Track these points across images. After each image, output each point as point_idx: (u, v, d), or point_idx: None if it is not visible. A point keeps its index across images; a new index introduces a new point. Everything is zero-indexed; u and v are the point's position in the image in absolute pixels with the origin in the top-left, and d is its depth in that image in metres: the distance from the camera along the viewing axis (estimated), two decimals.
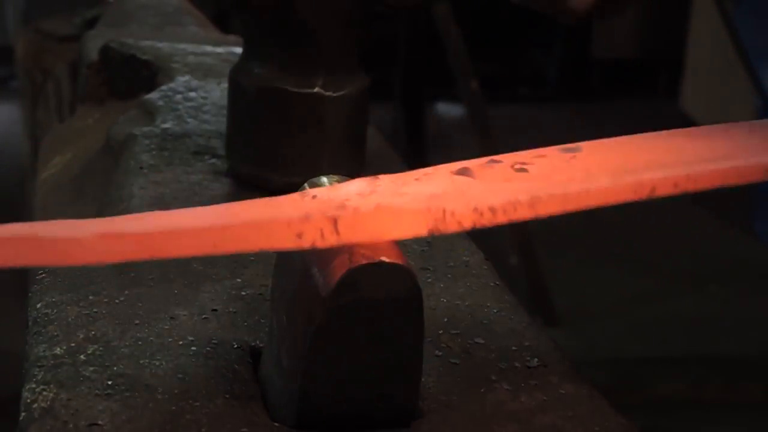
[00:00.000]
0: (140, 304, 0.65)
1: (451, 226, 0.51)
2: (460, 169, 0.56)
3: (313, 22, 0.81)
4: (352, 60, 0.85)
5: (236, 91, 0.85)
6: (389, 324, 0.52)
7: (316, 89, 0.82)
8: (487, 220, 0.52)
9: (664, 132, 0.65)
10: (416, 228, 0.50)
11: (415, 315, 0.52)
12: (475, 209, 0.51)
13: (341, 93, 0.82)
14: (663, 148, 0.62)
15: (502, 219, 0.52)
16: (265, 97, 0.82)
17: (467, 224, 0.51)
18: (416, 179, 0.54)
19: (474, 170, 0.55)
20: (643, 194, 0.55)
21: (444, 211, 0.51)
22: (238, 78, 0.84)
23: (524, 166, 0.56)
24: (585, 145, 0.60)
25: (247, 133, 0.84)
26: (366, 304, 0.51)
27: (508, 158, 0.57)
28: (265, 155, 0.84)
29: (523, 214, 0.52)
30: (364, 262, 0.50)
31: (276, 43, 0.82)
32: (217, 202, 0.71)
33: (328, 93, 0.82)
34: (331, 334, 0.51)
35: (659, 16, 4.34)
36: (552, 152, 0.58)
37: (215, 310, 0.65)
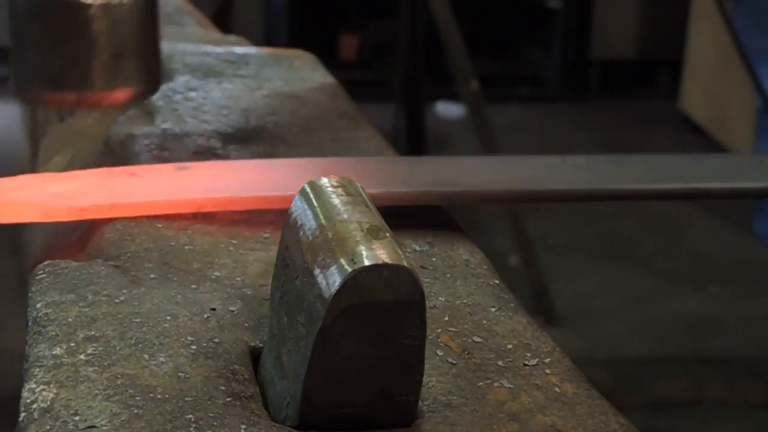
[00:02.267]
0: (140, 304, 0.65)
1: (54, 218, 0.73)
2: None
3: None
4: None
5: (7, 2, 0.81)
6: (392, 325, 0.52)
7: None
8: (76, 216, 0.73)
9: (267, 161, 0.84)
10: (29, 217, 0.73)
11: (418, 316, 0.52)
12: (69, 208, 0.73)
13: (107, 1, 0.78)
14: (236, 174, 0.80)
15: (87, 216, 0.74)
16: (31, 6, 0.79)
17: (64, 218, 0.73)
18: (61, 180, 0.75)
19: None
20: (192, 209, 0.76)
21: (47, 207, 0.72)
22: None
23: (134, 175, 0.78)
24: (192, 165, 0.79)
25: (20, 48, 0.80)
26: (369, 305, 0.51)
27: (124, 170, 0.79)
28: (36, 72, 0.80)
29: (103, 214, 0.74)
30: (367, 263, 0.51)
31: None
32: None
33: (90, 1, 0.78)
34: (334, 335, 0.51)
35: (659, 16, 4.34)
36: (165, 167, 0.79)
37: (215, 309, 0.65)
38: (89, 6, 0.77)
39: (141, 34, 0.81)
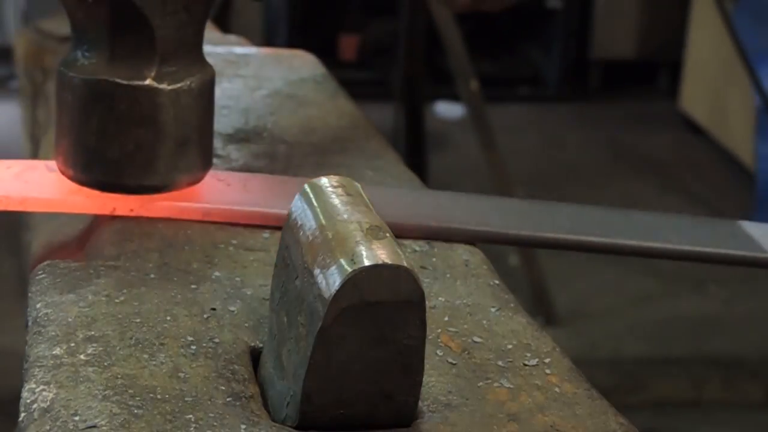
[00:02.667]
0: (140, 304, 0.65)
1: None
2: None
3: (144, 2, 0.71)
4: (194, 49, 0.76)
5: (61, 83, 0.74)
6: (392, 325, 0.52)
7: (148, 81, 0.72)
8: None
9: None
10: None
11: (418, 316, 0.52)
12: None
13: (177, 86, 0.73)
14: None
15: None
16: (93, 90, 0.72)
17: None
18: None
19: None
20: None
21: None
22: (64, 69, 0.74)
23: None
24: None
25: (73, 133, 0.74)
26: (369, 305, 0.51)
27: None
28: (92, 159, 0.74)
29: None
30: (367, 264, 0.51)
31: (103, 29, 0.72)
32: None
33: (161, 86, 0.73)
34: (335, 335, 0.51)
35: (659, 16, 4.34)
36: None
37: (215, 309, 0.65)
38: (159, 92, 0.72)
39: (204, 118, 0.76)
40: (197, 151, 0.76)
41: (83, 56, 0.73)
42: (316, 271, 0.52)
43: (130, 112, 0.73)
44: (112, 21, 0.72)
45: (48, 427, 0.52)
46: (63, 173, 0.76)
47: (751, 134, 3.39)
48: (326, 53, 2.13)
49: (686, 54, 4.00)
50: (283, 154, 0.91)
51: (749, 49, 2.95)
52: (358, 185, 0.59)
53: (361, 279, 0.50)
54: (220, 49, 1.16)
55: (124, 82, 0.72)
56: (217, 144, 0.91)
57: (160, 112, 0.73)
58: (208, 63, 0.77)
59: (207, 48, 1.16)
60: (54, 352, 0.59)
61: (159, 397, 0.55)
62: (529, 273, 2.72)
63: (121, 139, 0.73)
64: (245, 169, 0.87)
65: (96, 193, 0.75)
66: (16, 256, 2.90)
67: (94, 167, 0.74)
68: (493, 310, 0.68)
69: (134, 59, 0.72)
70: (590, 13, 4.33)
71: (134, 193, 0.75)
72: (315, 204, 0.56)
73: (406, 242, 0.76)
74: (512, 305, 0.69)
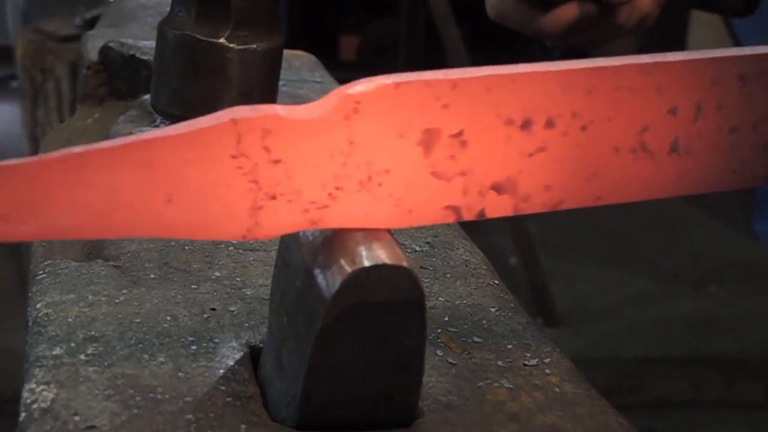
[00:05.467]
0: (140, 304, 0.65)
1: None
2: None
3: None
4: (266, 20, 0.92)
5: (160, 35, 0.93)
6: (392, 325, 0.52)
7: (221, 40, 0.89)
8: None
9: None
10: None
11: (418, 316, 0.52)
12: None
13: (245, 47, 0.90)
14: None
15: None
16: (179, 42, 0.90)
17: None
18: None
19: None
20: None
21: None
22: (162, 24, 0.93)
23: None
24: None
25: (164, 74, 0.92)
26: (369, 305, 0.51)
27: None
28: (173, 96, 0.91)
29: None
30: (367, 264, 0.51)
31: None
32: None
33: (231, 45, 0.89)
34: (335, 336, 0.51)
35: (659, 17, 4.33)
36: None
37: (215, 309, 0.65)
38: (229, 50, 0.89)
39: (267, 79, 0.92)
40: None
41: (177, 14, 0.91)
42: (316, 271, 0.52)
43: (205, 63, 0.90)
44: None
45: (48, 427, 0.52)
46: (153, 106, 0.94)
47: None
48: (326, 53, 2.13)
49: None
50: None
51: None
52: None
53: (361, 279, 0.50)
54: None
55: (203, 38, 0.89)
56: None
57: (228, 66, 0.90)
58: (279, 35, 0.93)
59: None
60: (54, 352, 0.59)
61: (159, 397, 0.55)
62: (529, 273, 2.72)
63: (196, 84, 0.90)
64: None
65: None
66: (16, 256, 2.90)
67: (174, 104, 0.92)
68: (493, 310, 0.68)
69: (214, 21, 0.90)
70: None
71: None
72: None
73: (406, 242, 0.76)
74: (512, 305, 0.69)
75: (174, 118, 0.89)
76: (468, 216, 0.56)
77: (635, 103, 0.57)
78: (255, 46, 0.90)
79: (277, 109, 0.51)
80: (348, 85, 0.52)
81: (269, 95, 0.93)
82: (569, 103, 0.55)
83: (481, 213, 0.56)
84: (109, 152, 0.49)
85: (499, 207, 0.56)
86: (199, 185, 0.50)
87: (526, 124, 0.55)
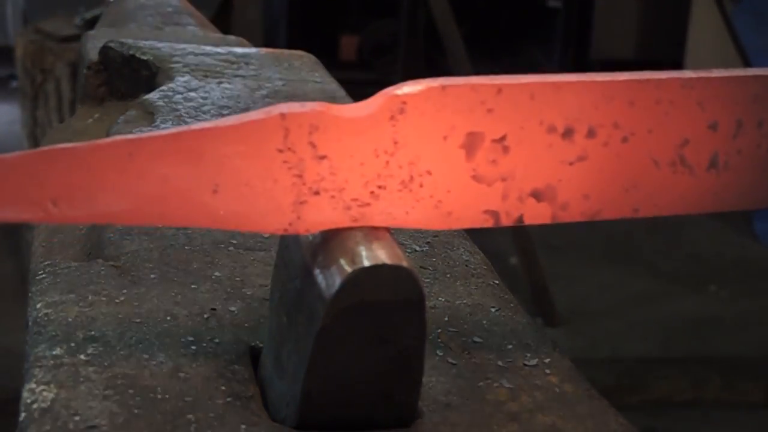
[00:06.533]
0: (140, 304, 0.65)
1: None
2: None
3: None
4: None
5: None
6: (392, 325, 0.52)
7: None
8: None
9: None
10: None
11: (418, 316, 0.52)
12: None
13: None
14: None
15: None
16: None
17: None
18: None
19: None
20: None
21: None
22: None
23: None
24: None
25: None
26: (369, 305, 0.51)
27: None
28: None
29: None
30: (367, 264, 0.51)
31: None
32: None
33: None
34: (335, 336, 0.51)
35: (659, 16, 4.34)
36: None
37: (215, 309, 0.65)
38: None
39: None
40: None
41: None
42: (316, 271, 0.52)
43: None
44: None
45: (48, 427, 0.52)
46: None
47: None
48: (326, 53, 2.13)
49: (686, 54, 4.01)
50: None
51: (749, 49, 2.96)
52: None
53: (361, 279, 0.50)
54: (220, 49, 1.16)
55: None
56: None
57: None
58: None
59: (207, 48, 1.16)
60: (54, 352, 0.59)
61: (159, 397, 0.55)
62: (529, 273, 2.72)
63: None
64: None
65: None
66: (16, 256, 2.90)
67: None
68: (493, 310, 0.68)
69: None
70: (590, 13, 4.33)
71: None
72: None
73: (406, 242, 0.76)
74: (512, 305, 0.69)
75: None
76: (506, 221, 0.56)
77: (676, 116, 0.58)
78: None
79: (325, 106, 0.52)
80: (395, 86, 0.53)
81: None
82: (611, 113, 0.56)
83: (520, 219, 0.56)
84: (160, 141, 0.50)
85: (537, 214, 0.57)
86: (245, 177, 0.51)
87: (567, 133, 0.55)
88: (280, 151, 0.51)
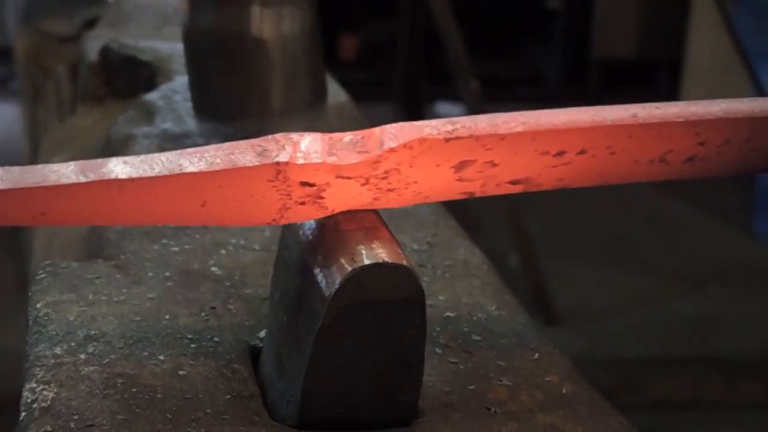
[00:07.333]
0: (140, 304, 0.65)
1: None
2: None
3: None
4: None
5: (183, 33, 0.89)
6: (392, 324, 0.52)
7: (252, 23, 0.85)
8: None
9: None
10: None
11: (418, 315, 0.52)
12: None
13: (276, 32, 0.87)
14: None
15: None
16: (212, 42, 0.86)
17: None
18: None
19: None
20: None
21: None
22: (184, 20, 0.88)
23: None
24: None
25: (200, 80, 0.88)
26: (369, 304, 0.51)
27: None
28: (205, 97, 0.88)
29: None
30: (367, 262, 0.51)
31: None
32: None
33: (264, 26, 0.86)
34: (335, 335, 0.51)
35: (659, 16, 4.34)
36: None
37: (215, 309, 0.65)
38: (264, 39, 0.85)
39: (307, 56, 0.90)
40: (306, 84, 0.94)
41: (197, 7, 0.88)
42: (316, 271, 0.52)
43: (244, 58, 0.88)
44: None
45: (49, 427, 0.52)
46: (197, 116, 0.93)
47: None
48: (326, 53, 2.13)
49: (686, 54, 4.00)
50: None
51: (749, 49, 2.96)
52: None
53: (361, 278, 0.50)
54: None
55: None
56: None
57: (267, 54, 0.87)
58: (309, 7, 0.91)
59: None
60: (54, 352, 0.59)
61: (159, 396, 0.55)
62: (529, 273, 2.72)
63: (239, 82, 0.91)
64: None
65: None
66: (16, 256, 2.90)
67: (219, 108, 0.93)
68: (493, 309, 0.68)
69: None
70: (590, 13, 4.33)
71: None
72: None
73: (406, 242, 0.76)
74: (512, 305, 0.69)
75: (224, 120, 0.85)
76: (478, 195, 0.59)
77: (668, 139, 0.60)
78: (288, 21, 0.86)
79: (320, 149, 0.54)
80: (394, 135, 0.54)
81: (314, 76, 0.90)
82: (606, 140, 0.57)
83: (485, 192, 0.58)
84: (151, 180, 0.53)
85: (509, 190, 0.59)
86: (232, 196, 0.54)
87: (559, 153, 0.57)
88: (271, 181, 0.53)
